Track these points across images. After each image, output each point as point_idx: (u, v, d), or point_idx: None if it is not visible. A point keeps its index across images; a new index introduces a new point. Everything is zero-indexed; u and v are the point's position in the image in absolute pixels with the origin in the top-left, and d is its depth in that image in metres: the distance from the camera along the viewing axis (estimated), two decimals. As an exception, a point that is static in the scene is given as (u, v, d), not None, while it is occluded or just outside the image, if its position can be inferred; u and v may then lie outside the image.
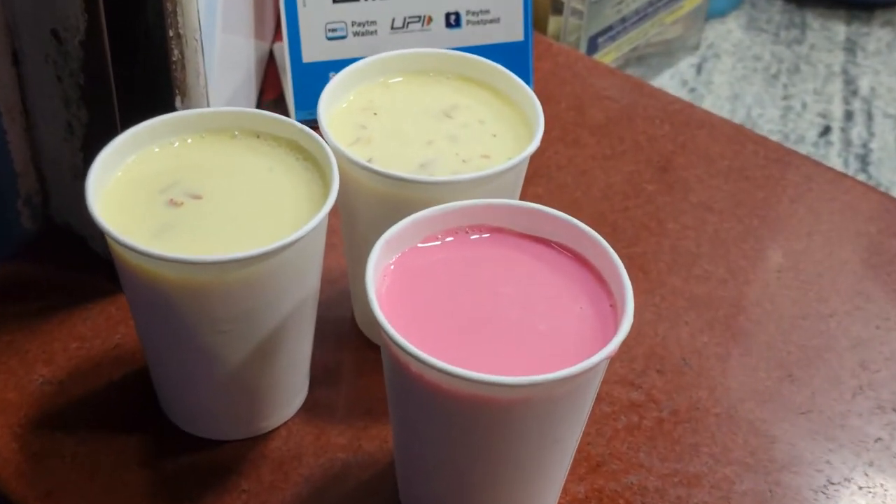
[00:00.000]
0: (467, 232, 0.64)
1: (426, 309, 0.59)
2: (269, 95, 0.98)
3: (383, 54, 0.74)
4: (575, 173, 0.92)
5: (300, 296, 0.65)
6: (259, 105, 0.97)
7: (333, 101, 0.71)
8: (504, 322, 0.59)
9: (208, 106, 0.76)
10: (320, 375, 0.74)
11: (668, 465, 0.70)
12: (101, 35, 0.69)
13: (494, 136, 0.71)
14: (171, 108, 0.74)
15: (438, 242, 0.63)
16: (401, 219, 0.64)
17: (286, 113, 0.95)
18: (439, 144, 0.70)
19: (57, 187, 0.80)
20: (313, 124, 0.68)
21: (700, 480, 0.69)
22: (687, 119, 0.99)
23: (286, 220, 0.64)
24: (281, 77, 0.98)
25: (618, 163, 0.94)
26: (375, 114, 0.72)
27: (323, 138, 0.67)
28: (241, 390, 0.67)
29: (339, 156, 0.66)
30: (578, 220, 0.62)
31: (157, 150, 0.67)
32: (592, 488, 0.68)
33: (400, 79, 0.75)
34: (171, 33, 0.71)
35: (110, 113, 0.72)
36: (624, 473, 0.69)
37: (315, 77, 0.93)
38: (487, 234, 0.64)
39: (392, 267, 0.61)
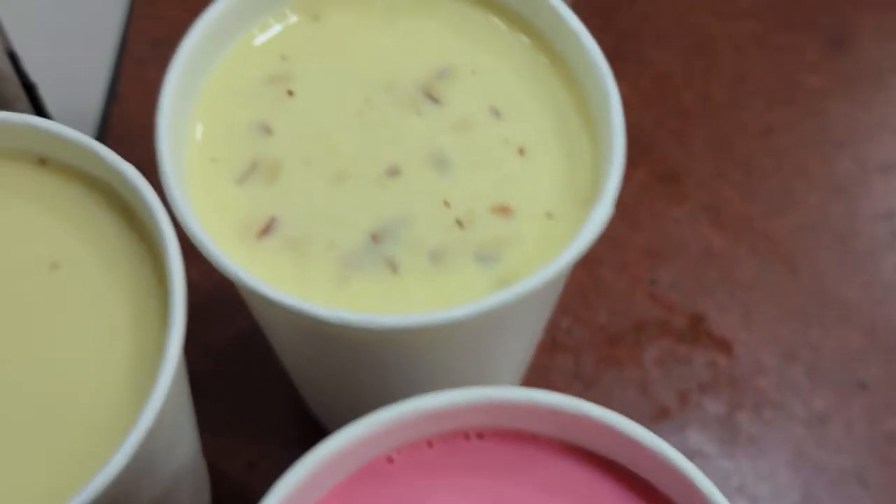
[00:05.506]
0: (456, 440, 0.31)
1: None
2: None
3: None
4: (680, 49, 0.55)
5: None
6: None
7: (203, 61, 0.36)
8: None
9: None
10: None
11: None
12: None
13: (522, 151, 0.35)
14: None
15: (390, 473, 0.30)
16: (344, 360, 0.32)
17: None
18: (412, 176, 0.35)
19: None
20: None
21: None
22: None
23: (84, 410, 0.31)
24: None
25: (753, 25, 0.56)
26: (291, 93, 0.36)
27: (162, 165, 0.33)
28: None
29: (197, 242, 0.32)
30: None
31: None
32: None
33: (341, 5, 0.38)
34: None
35: None
36: None
37: None
38: (493, 447, 0.31)
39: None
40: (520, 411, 0.30)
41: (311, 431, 0.46)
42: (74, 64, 0.52)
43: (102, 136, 0.54)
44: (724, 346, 0.47)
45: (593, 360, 0.47)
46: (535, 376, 0.46)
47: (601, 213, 0.32)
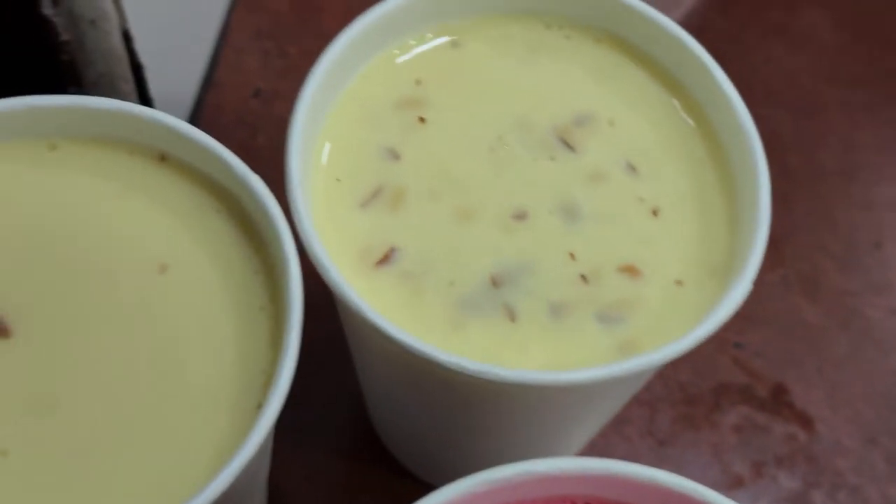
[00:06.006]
0: (558, 506, 0.30)
1: None
2: None
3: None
4: (790, 109, 0.54)
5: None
6: None
7: (340, 76, 0.35)
8: None
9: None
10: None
11: None
12: None
13: (656, 212, 0.34)
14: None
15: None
16: (440, 398, 0.31)
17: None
18: (540, 222, 0.34)
19: None
20: None
21: None
22: None
23: (187, 421, 0.30)
24: None
25: (867, 95, 0.54)
26: (422, 120, 0.35)
27: (290, 181, 0.32)
28: None
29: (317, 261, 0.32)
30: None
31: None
32: None
33: (483, 35, 0.37)
34: None
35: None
36: None
37: None
38: (599, 520, 0.30)
39: None
40: (634, 487, 0.29)
41: (371, 449, 0.45)
42: (178, 47, 0.51)
43: (194, 121, 0.53)
44: (806, 421, 0.46)
45: (669, 417, 0.46)
46: (610, 428, 0.45)
47: (740, 291, 0.31)
